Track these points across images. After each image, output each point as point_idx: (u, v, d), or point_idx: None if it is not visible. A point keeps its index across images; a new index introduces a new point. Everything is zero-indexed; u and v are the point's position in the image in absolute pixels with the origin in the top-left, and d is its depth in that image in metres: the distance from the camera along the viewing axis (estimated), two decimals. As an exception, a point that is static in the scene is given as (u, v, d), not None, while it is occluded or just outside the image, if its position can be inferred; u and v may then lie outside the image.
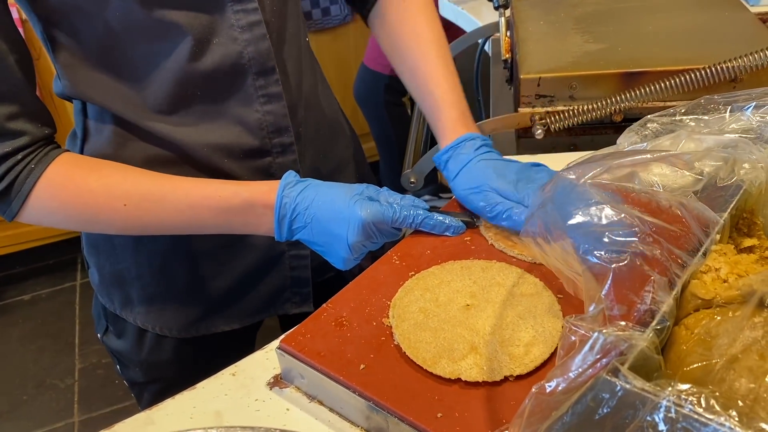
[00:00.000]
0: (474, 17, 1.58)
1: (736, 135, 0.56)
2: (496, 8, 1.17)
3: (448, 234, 0.77)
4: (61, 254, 2.69)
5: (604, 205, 0.45)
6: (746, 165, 0.52)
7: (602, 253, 0.43)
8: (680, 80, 0.93)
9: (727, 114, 0.66)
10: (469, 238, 0.77)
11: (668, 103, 0.96)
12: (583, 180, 0.49)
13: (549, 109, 0.99)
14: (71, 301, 2.51)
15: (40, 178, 0.70)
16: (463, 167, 0.80)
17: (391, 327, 0.64)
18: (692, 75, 0.93)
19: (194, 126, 0.79)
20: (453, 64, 0.90)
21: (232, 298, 0.92)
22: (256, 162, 0.83)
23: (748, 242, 0.54)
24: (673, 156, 0.49)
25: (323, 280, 0.98)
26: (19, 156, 0.69)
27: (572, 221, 0.45)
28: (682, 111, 0.68)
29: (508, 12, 1.19)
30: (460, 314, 0.64)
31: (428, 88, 0.87)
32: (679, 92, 0.94)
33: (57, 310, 2.47)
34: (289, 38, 0.84)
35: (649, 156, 0.49)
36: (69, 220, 0.74)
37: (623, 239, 0.43)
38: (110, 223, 0.74)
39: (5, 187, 0.69)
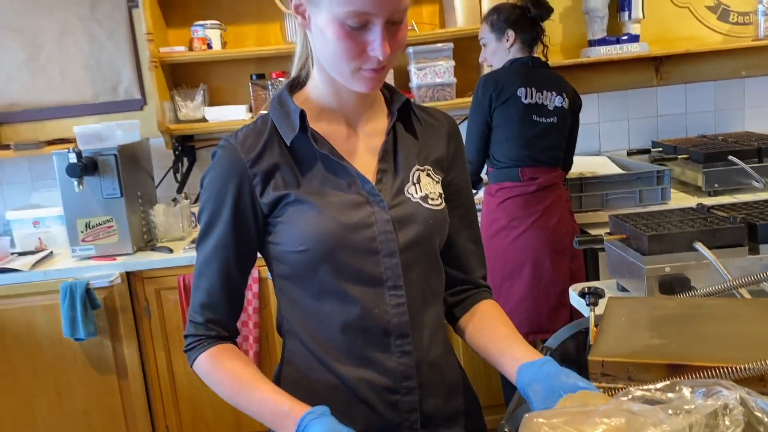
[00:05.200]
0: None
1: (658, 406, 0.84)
2: (588, 305, 1.51)
3: None
4: None
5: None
6: (652, 428, 0.80)
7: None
8: (711, 374, 1.17)
9: (688, 395, 0.94)
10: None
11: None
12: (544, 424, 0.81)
13: (610, 385, 1.27)
14: None
15: (202, 354, 1.22)
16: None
17: None
18: (722, 370, 1.17)
19: (354, 366, 1.22)
20: None
21: None
22: (388, 396, 1.22)
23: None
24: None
25: None
26: (203, 338, 1.23)
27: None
28: (658, 387, 0.97)
29: (597, 309, 1.52)
30: None
31: (507, 341, 1.26)
32: (713, 384, 1.17)
33: None
34: (428, 308, 1.27)
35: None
36: (207, 380, 1.23)
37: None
38: (222, 392, 1.20)
39: (189, 348, 1.23)
